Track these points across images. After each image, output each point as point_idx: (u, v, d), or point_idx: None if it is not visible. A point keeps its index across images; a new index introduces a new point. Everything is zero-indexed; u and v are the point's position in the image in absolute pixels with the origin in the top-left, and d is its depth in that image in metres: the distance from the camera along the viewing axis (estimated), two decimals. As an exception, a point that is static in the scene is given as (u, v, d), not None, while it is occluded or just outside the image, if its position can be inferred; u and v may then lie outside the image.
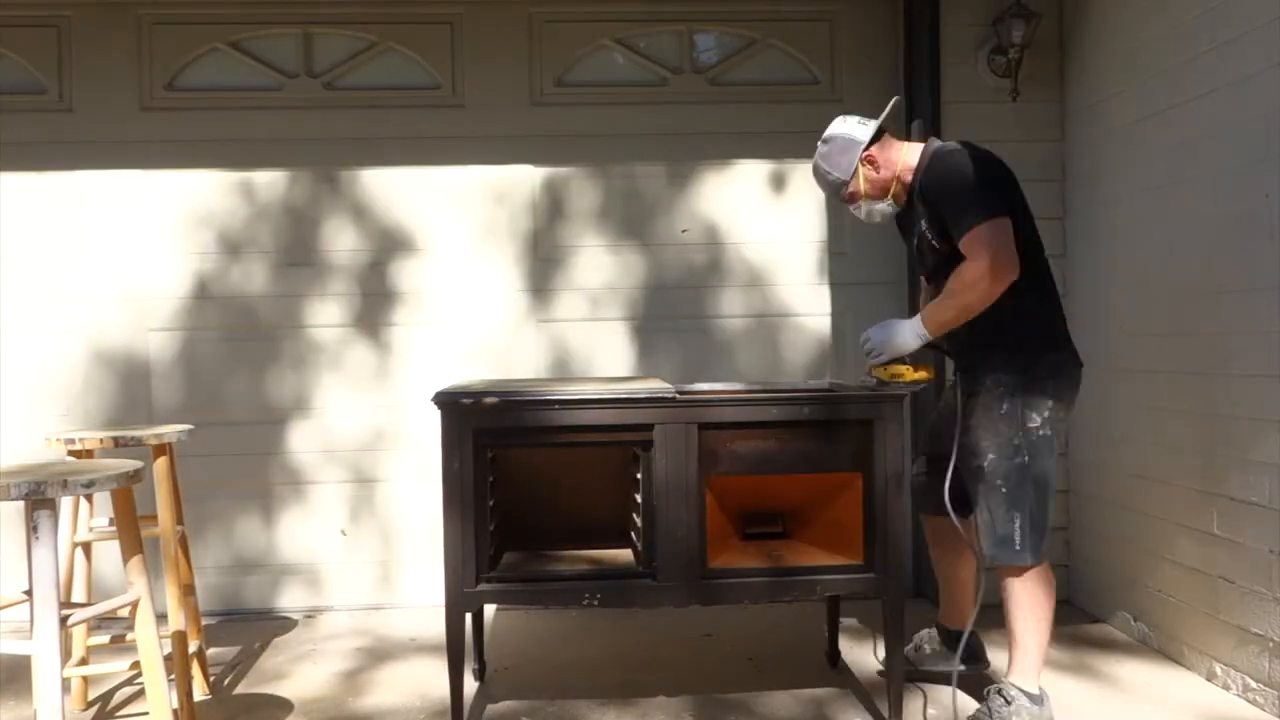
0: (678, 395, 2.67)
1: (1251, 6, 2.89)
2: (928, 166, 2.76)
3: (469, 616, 2.96)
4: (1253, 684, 2.93)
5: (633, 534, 2.84)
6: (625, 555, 2.87)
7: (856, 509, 2.69)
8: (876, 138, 2.81)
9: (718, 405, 2.69)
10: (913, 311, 4.06)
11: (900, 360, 2.74)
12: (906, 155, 2.81)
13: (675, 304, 4.12)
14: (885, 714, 2.83)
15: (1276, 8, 2.79)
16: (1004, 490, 2.69)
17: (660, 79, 4.16)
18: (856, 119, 2.86)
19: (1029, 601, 2.75)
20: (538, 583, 2.77)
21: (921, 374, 2.74)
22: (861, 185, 2.82)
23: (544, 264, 4.12)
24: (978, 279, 2.56)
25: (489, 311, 4.09)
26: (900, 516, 2.69)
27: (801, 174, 4.12)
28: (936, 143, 2.85)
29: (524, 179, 4.10)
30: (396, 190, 4.08)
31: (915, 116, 4.01)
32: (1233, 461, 3.00)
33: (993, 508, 2.71)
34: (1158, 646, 3.40)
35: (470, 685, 3.14)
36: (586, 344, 4.12)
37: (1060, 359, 2.74)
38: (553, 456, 3.02)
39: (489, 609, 3.81)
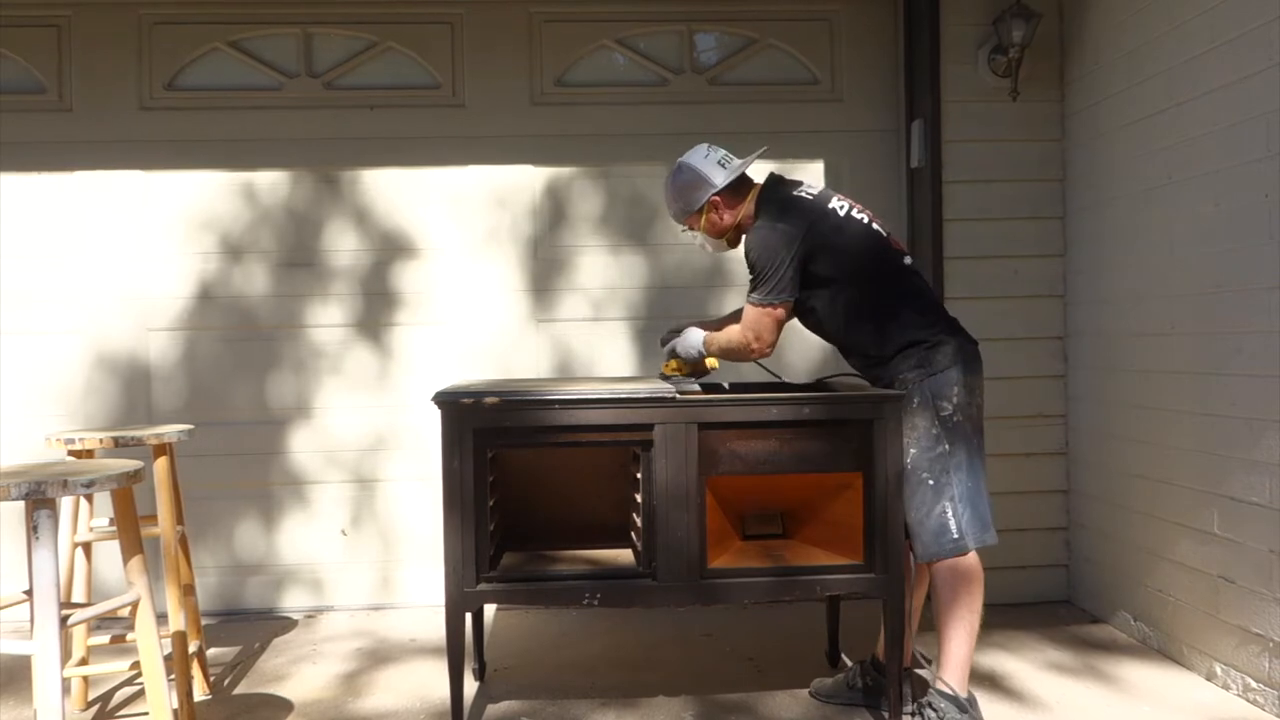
0: (678, 395, 2.67)
1: (1251, 6, 2.89)
2: (750, 230, 2.84)
3: (469, 616, 2.96)
4: (1253, 684, 2.93)
5: (633, 534, 2.84)
6: (625, 555, 2.87)
7: (857, 509, 2.68)
8: (731, 184, 2.86)
9: (718, 405, 2.69)
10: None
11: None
12: (748, 204, 2.88)
13: (676, 304, 4.12)
14: (885, 714, 2.83)
15: (1276, 8, 2.80)
16: (930, 483, 2.69)
17: (660, 79, 4.16)
18: (720, 156, 2.90)
19: (964, 596, 2.70)
20: (538, 582, 2.76)
21: (705, 367, 3.02)
22: (701, 222, 2.91)
23: (545, 264, 4.12)
24: (737, 346, 2.85)
25: (490, 312, 4.09)
26: (900, 517, 2.69)
27: (803, 174, 4.13)
28: (771, 194, 2.86)
29: (524, 179, 4.10)
30: (396, 191, 4.08)
31: (915, 116, 4.01)
32: (1233, 461, 3.00)
33: (923, 503, 2.69)
34: (1158, 646, 3.40)
35: (470, 685, 3.14)
36: (588, 345, 4.12)
37: (955, 344, 2.76)
38: (553, 456, 3.02)
39: (489, 609, 3.81)
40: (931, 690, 2.71)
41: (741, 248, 2.91)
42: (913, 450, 2.71)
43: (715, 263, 4.14)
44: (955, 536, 2.67)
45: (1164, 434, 3.35)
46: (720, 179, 2.85)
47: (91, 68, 3.98)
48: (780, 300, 2.78)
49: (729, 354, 2.91)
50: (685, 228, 3.01)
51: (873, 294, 2.79)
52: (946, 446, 2.70)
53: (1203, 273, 3.14)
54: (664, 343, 3.13)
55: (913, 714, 2.72)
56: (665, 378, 3.02)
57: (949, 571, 2.69)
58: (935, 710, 2.65)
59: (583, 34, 4.12)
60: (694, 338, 3.00)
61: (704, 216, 2.90)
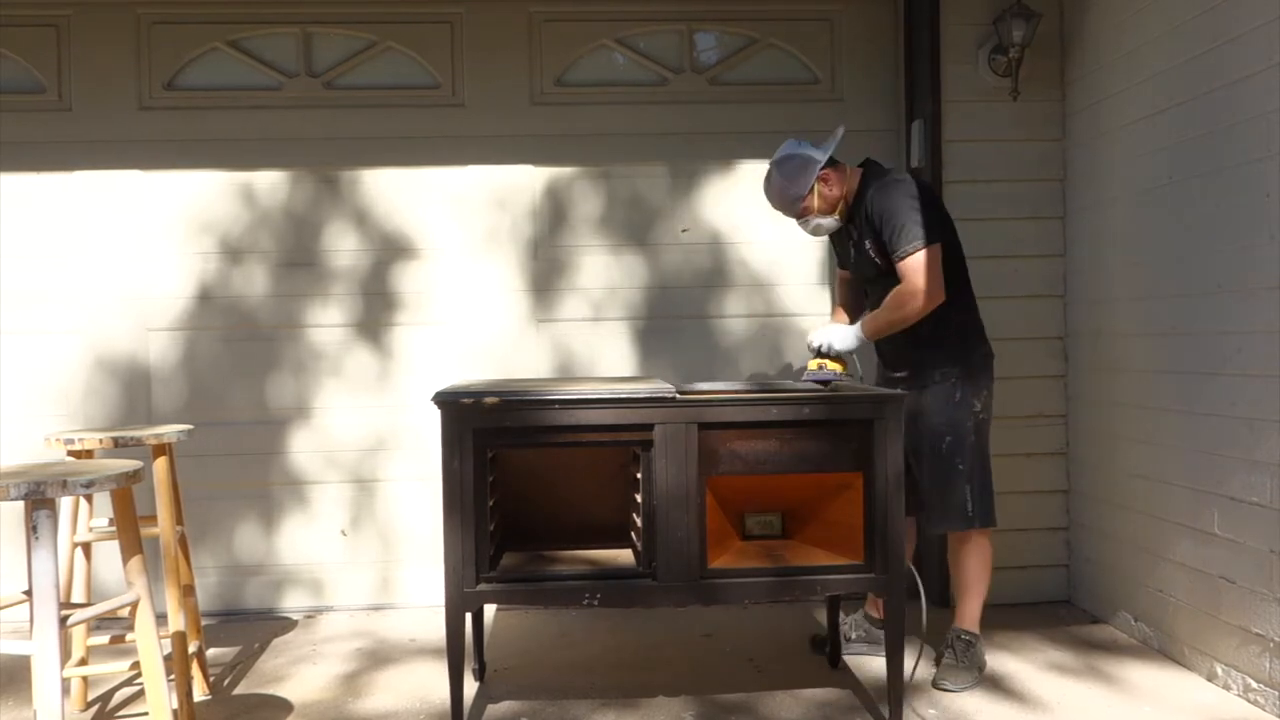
0: (678, 395, 2.67)
1: (1251, 6, 2.89)
2: (875, 191, 3.10)
3: (469, 617, 2.96)
4: (1254, 684, 2.93)
5: (633, 534, 2.84)
6: (625, 555, 2.87)
7: (857, 509, 2.68)
8: (829, 160, 3.15)
9: (718, 405, 2.69)
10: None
11: (835, 359, 3.17)
12: (850, 178, 3.19)
13: (677, 304, 4.12)
14: (885, 714, 2.83)
15: (1276, 8, 2.79)
16: (961, 468, 3.09)
17: (660, 79, 4.16)
18: (809, 143, 3.19)
19: (981, 560, 3.17)
20: (538, 583, 2.76)
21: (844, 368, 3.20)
22: (815, 201, 3.15)
23: (545, 264, 4.12)
24: (910, 299, 3.00)
25: (490, 312, 4.09)
26: (900, 516, 2.69)
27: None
28: (875, 166, 3.22)
29: (524, 179, 4.10)
30: (396, 190, 4.08)
31: (915, 116, 4.01)
32: (1233, 461, 3.00)
33: (951, 483, 3.09)
34: (1158, 647, 3.40)
35: (470, 685, 3.14)
36: (588, 345, 4.12)
37: (986, 352, 3.20)
38: (553, 456, 3.02)
39: (489, 609, 3.81)
40: (955, 628, 3.19)
41: (864, 217, 3.11)
42: (949, 438, 3.09)
43: (716, 263, 4.14)
44: (970, 514, 3.10)
45: (1164, 434, 3.35)
46: (821, 154, 3.13)
47: (91, 67, 3.98)
48: (932, 242, 3.00)
49: (896, 319, 3.04)
50: (800, 218, 3.20)
51: (965, 289, 3.16)
52: (974, 438, 3.12)
53: (1203, 273, 3.13)
54: (817, 343, 3.21)
55: (949, 644, 3.17)
56: (812, 372, 3.15)
57: (973, 545, 3.15)
58: (966, 639, 3.15)
59: (582, 34, 4.12)
60: (842, 330, 3.16)
61: (815, 194, 3.13)
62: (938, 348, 3.10)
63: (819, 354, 3.18)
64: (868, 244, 3.13)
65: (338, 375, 4.07)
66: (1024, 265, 3.92)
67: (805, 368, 3.24)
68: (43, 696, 2.02)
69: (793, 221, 3.29)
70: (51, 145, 3.96)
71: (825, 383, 2.97)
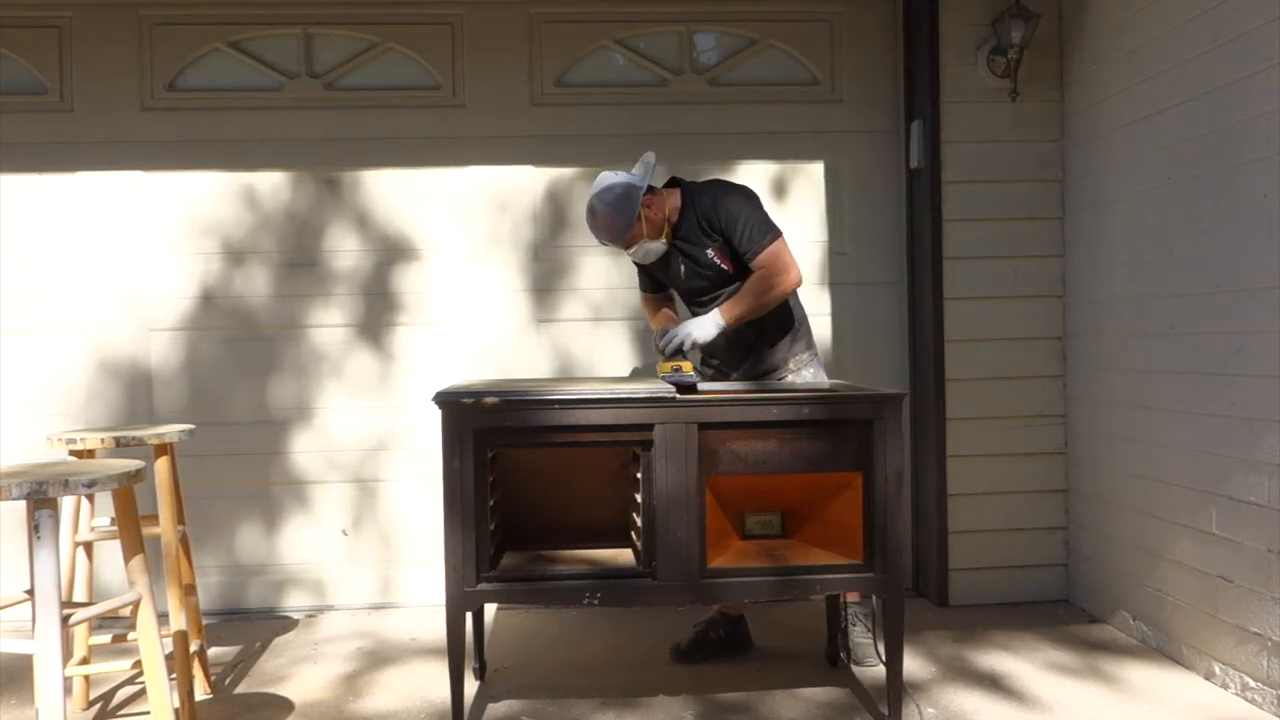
0: (678, 395, 2.67)
1: (1251, 6, 2.90)
2: (709, 199, 3.15)
3: (469, 616, 2.96)
4: (1251, 683, 2.93)
5: (633, 534, 2.85)
6: (625, 555, 2.87)
7: (856, 509, 2.69)
8: (648, 186, 3.19)
9: (718, 405, 2.69)
10: (910, 311, 4.10)
11: (681, 357, 3.12)
12: (668, 198, 3.22)
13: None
14: (885, 714, 2.83)
15: (1276, 8, 2.80)
16: None
17: (660, 79, 4.16)
18: (623, 172, 3.22)
19: None
20: (538, 582, 2.77)
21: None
22: (644, 227, 3.16)
23: (545, 265, 4.12)
24: (782, 276, 3.09)
25: (490, 313, 4.10)
26: (900, 516, 2.70)
27: (803, 175, 4.15)
28: (686, 182, 3.28)
29: (524, 180, 4.11)
30: (396, 191, 4.08)
31: (915, 117, 4.02)
32: (1232, 461, 3.01)
33: None
34: (1157, 646, 3.40)
35: (471, 685, 3.14)
36: (589, 346, 4.13)
37: (810, 330, 3.38)
38: (553, 456, 3.03)
39: (489, 609, 3.81)
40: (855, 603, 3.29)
41: (699, 228, 3.16)
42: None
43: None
44: None
45: (1163, 434, 3.35)
46: (641, 180, 3.17)
47: (93, 68, 3.98)
48: (779, 231, 3.13)
49: (764, 303, 3.10)
50: (629, 247, 3.21)
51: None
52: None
53: (1203, 273, 3.14)
54: (663, 346, 3.18)
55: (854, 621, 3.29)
56: (665, 376, 3.01)
57: None
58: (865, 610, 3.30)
59: (583, 34, 4.13)
60: (699, 321, 3.12)
61: (642, 220, 3.15)
62: (782, 336, 3.24)
63: (675, 354, 3.11)
64: (710, 253, 3.16)
65: (339, 376, 4.08)
66: (1024, 265, 3.93)
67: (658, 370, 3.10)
68: (45, 695, 2.02)
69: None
70: (53, 146, 3.96)
71: (690, 386, 2.88)
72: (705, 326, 3.10)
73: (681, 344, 3.12)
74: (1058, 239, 3.94)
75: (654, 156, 3.28)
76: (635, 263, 3.37)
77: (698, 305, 3.30)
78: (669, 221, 3.21)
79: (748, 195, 3.19)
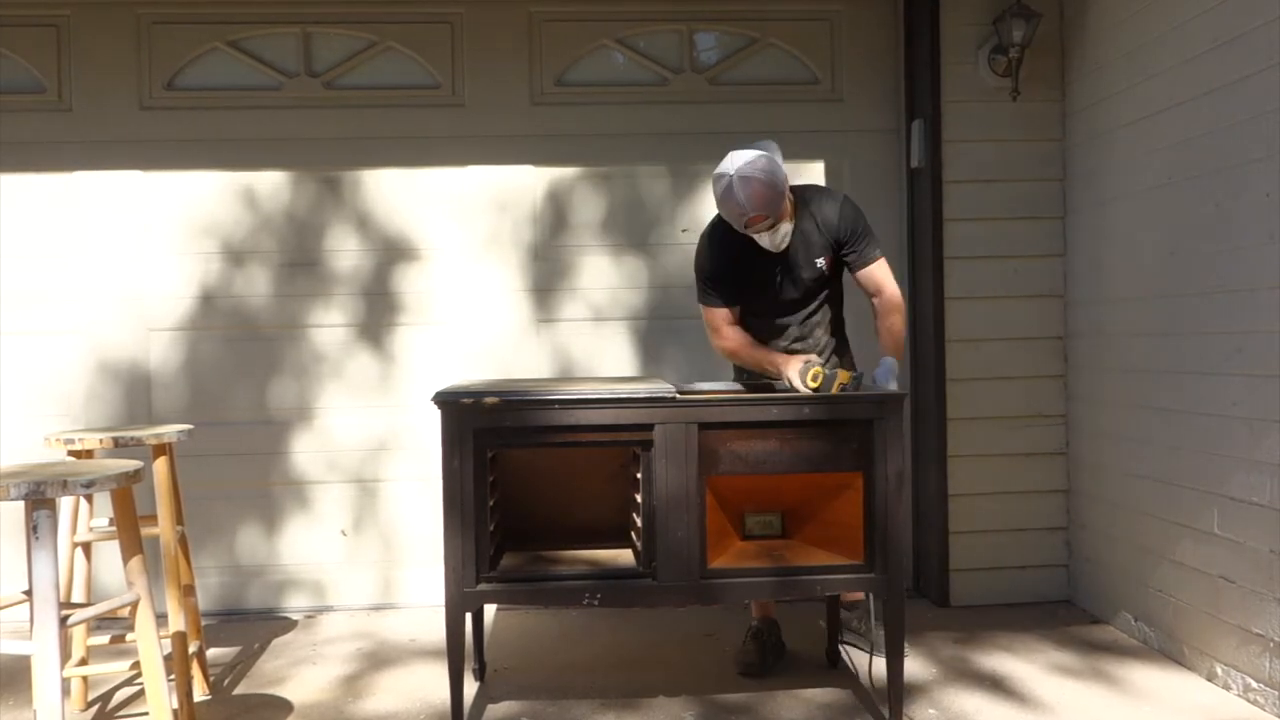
0: (678, 395, 2.67)
1: (1251, 6, 2.89)
2: (835, 208, 3.08)
3: (469, 617, 2.96)
4: (1253, 684, 2.93)
5: (633, 534, 2.84)
6: (625, 555, 2.87)
7: (857, 509, 2.68)
8: None
9: (718, 405, 2.69)
10: (911, 311, 4.09)
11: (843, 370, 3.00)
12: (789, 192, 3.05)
13: (677, 305, 4.11)
14: (885, 714, 2.83)
15: (1276, 8, 2.79)
16: None
17: (660, 79, 4.16)
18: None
19: None
20: (538, 583, 2.76)
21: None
22: (787, 206, 2.99)
23: (546, 265, 4.11)
24: (898, 297, 3.13)
25: (491, 313, 4.09)
26: (901, 516, 2.69)
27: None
28: (803, 181, 3.28)
29: (524, 179, 4.10)
30: (396, 190, 4.08)
31: (915, 116, 4.01)
32: (1233, 461, 3.00)
33: None
34: (1159, 647, 3.40)
35: (470, 686, 3.14)
36: (590, 346, 4.12)
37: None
38: (553, 456, 3.02)
39: (489, 609, 3.80)
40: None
41: (816, 228, 3.08)
42: None
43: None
44: None
45: (1164, 434, 3.35)
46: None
47: (91, 67, 3.98)
48: None
49: (905, 318, 3.18)
50: (775, 224, 2.96)
51: None
52: None
53: (1203, 273, 3.13)
54: (827, 380, 2.87)
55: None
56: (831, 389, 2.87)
57: None
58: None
59: (583, 33, 4.12)
60: (890, 363, 3.01)
61: (787, 201, 2.98)
62: (844, 344, 3.28)
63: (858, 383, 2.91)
64: (821, 262, 3.07)
65: (339, 376, 4.07)
66: (1024, 265, 3.92)
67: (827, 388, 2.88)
68: (43, 696, 2.02)
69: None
70: (52, 145, 3.96)
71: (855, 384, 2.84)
72: (893, 377, 2.96)
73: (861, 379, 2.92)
74: (1059, 239, 3.93)
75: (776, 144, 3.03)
76: (750, 243, 3.00)
77: (778, 319, 3.15)
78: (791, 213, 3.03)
79: (857, 205, 3.14)
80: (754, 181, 2.83)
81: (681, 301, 4.12)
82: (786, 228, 3.00)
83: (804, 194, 3.10)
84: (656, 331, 4.13)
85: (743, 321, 3.15)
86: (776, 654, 3.29)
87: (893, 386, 2.92)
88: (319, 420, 4.06)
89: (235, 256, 4.04)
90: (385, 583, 4.09)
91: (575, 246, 4.11)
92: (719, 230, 3.07)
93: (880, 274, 3.11)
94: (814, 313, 3.19)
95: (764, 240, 2.99)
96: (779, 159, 2.91)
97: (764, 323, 3.16)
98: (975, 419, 3.91)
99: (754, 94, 4.15)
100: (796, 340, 3.17)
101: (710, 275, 3.13)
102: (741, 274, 3.10)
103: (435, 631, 3.64)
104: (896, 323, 3.10)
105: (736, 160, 2.86)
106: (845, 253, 3.10)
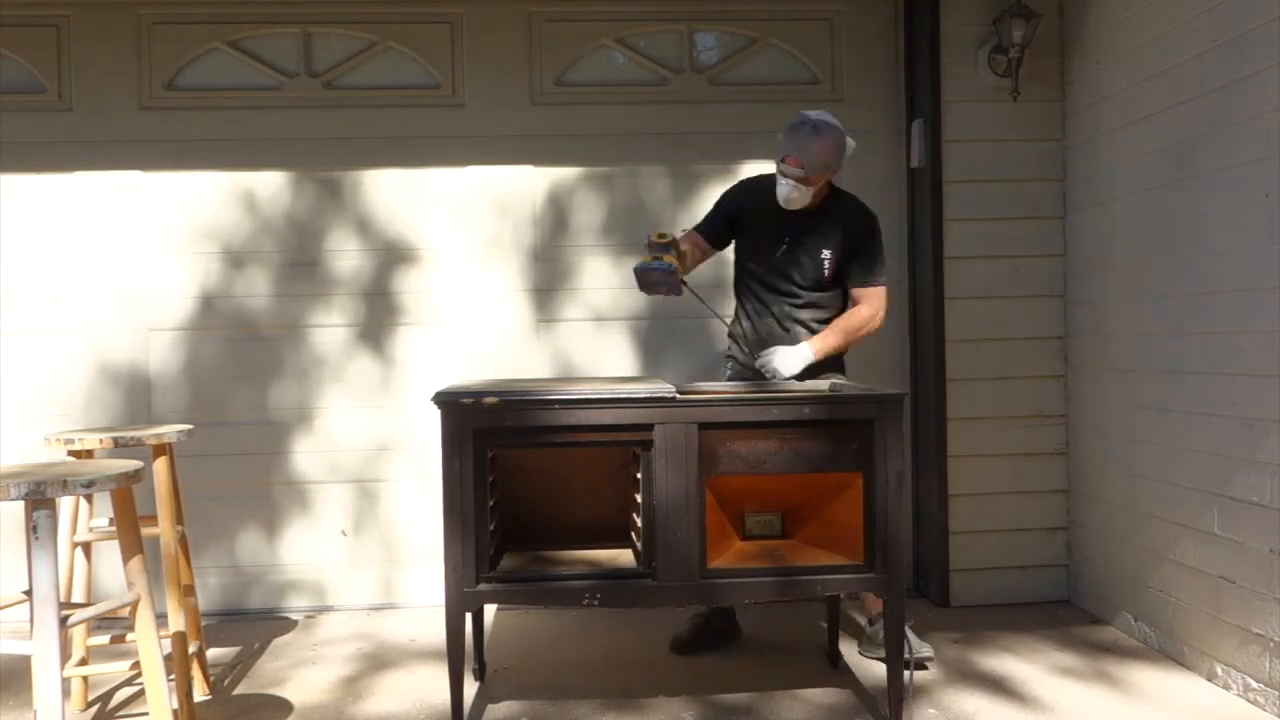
0: (678, 395, 2.67)
1: (1251, 6, 2.89)
2: (865, 216, 3.21)
3: (469, 617, 2.96)
4: (1254, 684, 2.93)
5: (633, 534, 2.84)
6: (625, 555, 2.87)
7: (857, 509, 2.68)
8: None
9: (718, 405, 2.69)
10: (911, 311, 4.09)
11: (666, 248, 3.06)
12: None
13: (678, 305, 4.10)
14: (885, 714, 2.83)
15: (1276, 8, 2.79)
16: None
17: (660, 78, 4.16)
18: None
19: None
20: (538, 583, 2.76)
21: None
22: (820, 182, 3.10)
23: (546, 265, 4.11)
24: (872, 322, 3.20)
25: (491, 314, 4.09)
26: (901, 516, 2.69)
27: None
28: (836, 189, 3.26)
29: (525, 179, 4.10)
30: (396, 191, 4.08)
31: (915, 116, 4.01)
32: (1234, 461, 3.00)
33: None
34: (1159, 647, 3.40)
35: (470, 686, 3.14)
36: (590, 346, 4.12)
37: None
38: (553, 456, 3.02)
39: (489, 610, 3.80)
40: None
41: (838, 226, 3.18)
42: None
43: (717, 263, 4.12)
44: None
45: (1164, 434, 3.35)
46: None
47: (91, 67, 3.98)
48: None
49: (852, 342, 3.22)
50: (814, 181, 3.05)
51: None
52: None
53: (1203, 273, 3.13)
54: (762, 370, 3.16)
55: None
56: None
57: None
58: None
59: (582, 33, 4.12)
60: (797, 354, 3.10)
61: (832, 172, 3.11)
62: (829, 358, 3.22)
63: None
64: (825, 253, 3.17)
65: (339, 377, 4.07)
66: (1024, 265, 3.92)
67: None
68: (43, 696, 2.02)
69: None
70: (52, 145, 3.95)
71: (668, 271, 2.97)
72: (794, 362, 3.09)
73: (773, 374, 3.10)
74: (1059, 238, 3.93)
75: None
76: (774, 205, 3.12)
77: (769, 291, 3.25)
78: (823, 190, 3.16)
79: (880, 231, 3.24)
80: (825, 137, 3.00)
81: (682, 302, 4.11)
82: (804, 197, 3.09)
83: (842, 196, 3.25)
84: (657, 332, 4.12)
85: (739, 275, 3.36)
86: (722, 637, 3.42)
87: (783, 372, 3.07)
88: (319, 421, 4.06)
89: (235, 257, 4.04)
90: (385, 583, 4.09)
91: (575, 247, 4.11)
92: (753, 180, 3.31)
93: (874, 297, 3.20)
94: (803, 308, 3.23)
95: (781, 187, 3.08)
96: (846, 150, 3.09)
97: (757, 286, 3.29)
98: (975, 419, 3.91)
99: (754, 94, 4.15)
100: (778, 324, 3.25)
101: (719, 203, 3.35)
102: (750, 222, 3.25)
103: (435, 632, 3.64)
104: (854, 322, 3.17)
105: (826, 115, 3.06)
106: (850, 265, 3.18)
